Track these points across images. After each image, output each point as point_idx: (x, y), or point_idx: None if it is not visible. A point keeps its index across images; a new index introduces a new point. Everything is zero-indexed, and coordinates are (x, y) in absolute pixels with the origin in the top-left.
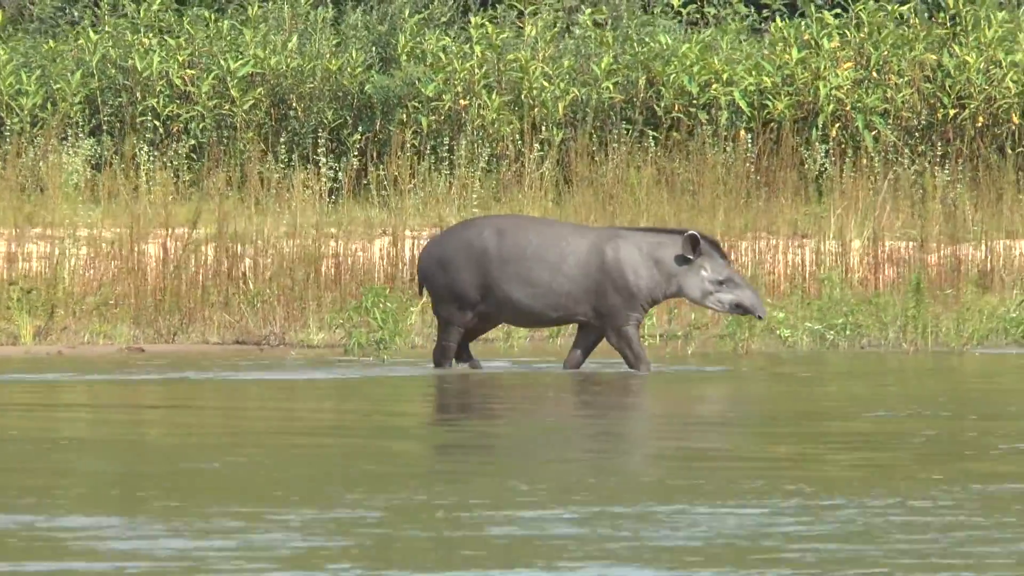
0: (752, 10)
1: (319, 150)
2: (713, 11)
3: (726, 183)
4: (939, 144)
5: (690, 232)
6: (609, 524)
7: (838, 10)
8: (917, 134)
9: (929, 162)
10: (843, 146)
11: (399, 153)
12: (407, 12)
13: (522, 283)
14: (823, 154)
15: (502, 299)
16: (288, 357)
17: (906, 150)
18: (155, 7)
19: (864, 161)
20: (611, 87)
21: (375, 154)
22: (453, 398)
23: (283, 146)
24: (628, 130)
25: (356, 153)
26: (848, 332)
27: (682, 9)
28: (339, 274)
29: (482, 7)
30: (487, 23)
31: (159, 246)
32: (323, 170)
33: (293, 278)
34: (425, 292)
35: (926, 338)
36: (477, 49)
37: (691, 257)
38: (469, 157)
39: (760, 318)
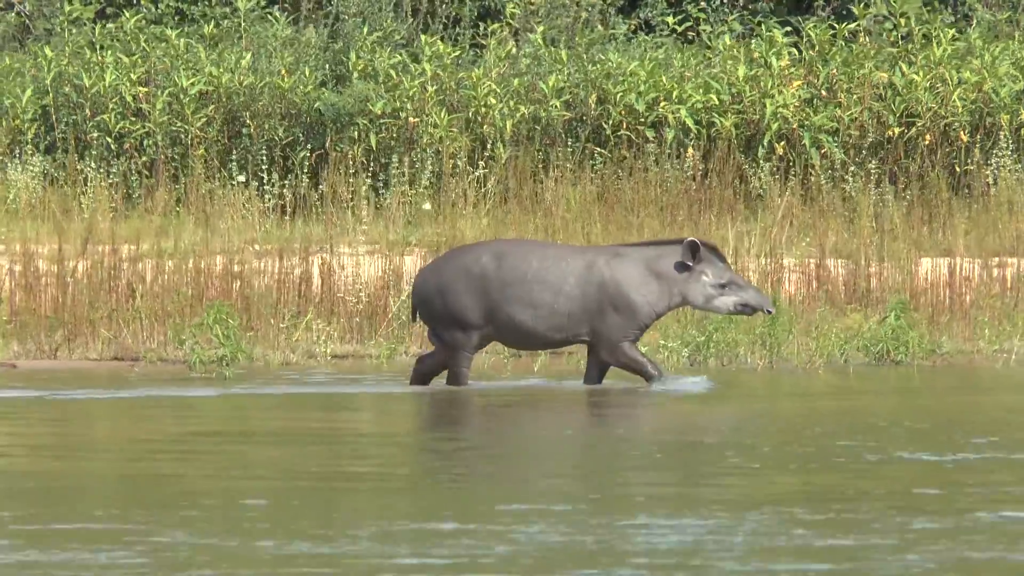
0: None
1: (262, 167)
2: (708, 28)
3: (661, 201)
4: (874, 162)
5: (689, 239)
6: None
7: (789, 28)
8: (864, 152)
9: (865, 181)
10: (791, 164)
11: (336, 171)
12: (365, 30)
13: (524, 305)
14: (767, 172)
15: (504, 322)
16: (131, 374)
17: (851, 168)
18: (130, 24)
19: (813, 180)
20: (558, 105)
21: (324, 172)
22: (213, 420)
23: (235, 163)
24: (571, 149)
25: (307, 171)
26: (712, 349)
27: (677, 27)
28: (229, 292)
29: (446, 26)
30: (438, 42)
31: (90, 262)
32: (266, 187)
33: (182, 296)
34: (419, 318)
35: (770, 356)
36: (427, 67)
37: (691, 264)
38: (411, 175)
39: (770, 313)
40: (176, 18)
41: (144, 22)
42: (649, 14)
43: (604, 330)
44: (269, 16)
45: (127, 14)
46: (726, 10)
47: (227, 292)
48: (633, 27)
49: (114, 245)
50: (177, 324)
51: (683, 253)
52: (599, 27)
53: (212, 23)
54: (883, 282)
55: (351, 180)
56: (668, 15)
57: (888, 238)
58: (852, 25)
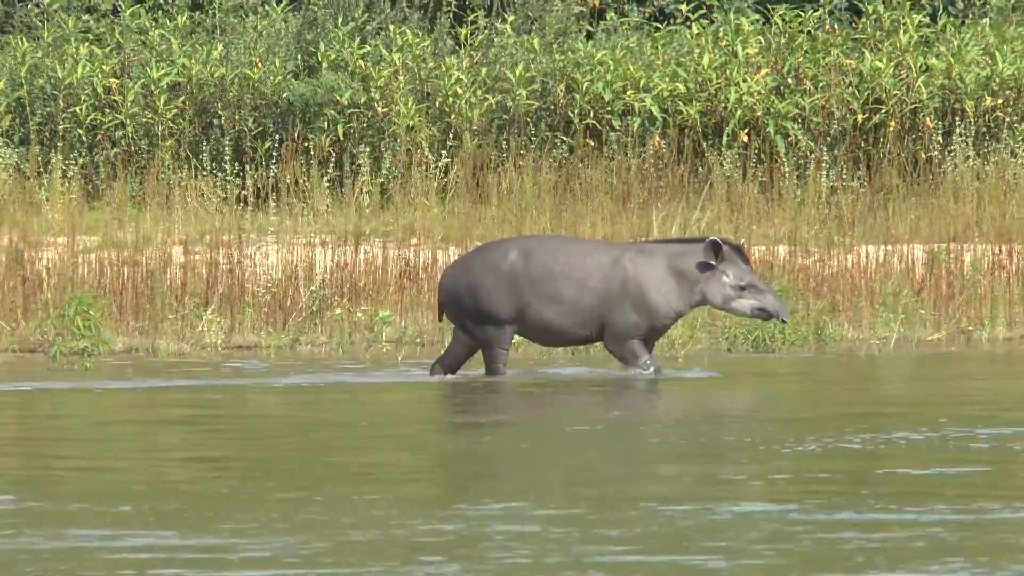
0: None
1: (225, 158)
2: (722, 15)
3: (616, 189)
4: (836, 150)
5: (712, 239)
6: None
7: (757, 16)
8: (829, 139)
9: (818, 167)
10: (757, 152)
11: (298, 161)
12: (340, 20)
13: (552, 302)
14: (728, 160)
15: (534, 319)
16: None
17: (814, 155)
18: (125, 15)
19: (777, 167)
20: (525, 94)
21: (290, 162)
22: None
23: (205, 154)
24: (533, 138)
25: (275, 161)
26: None
27: (691, 15)
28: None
29: (425, 16)
30: (407, 31)
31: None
32: (228, 178)
33: (101, 287)
34: (446, 316)
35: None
36: (396, 57)
37: (713, 263)
38: (372, 164)
39: (784, 322)
40: (159, 11)
41: (142, 13)
42: (663, 1)
43: (617, 323)
44: (265, 7)
45: (123, 5)
46: None
47: (132, 283)
48: (648, 15)
49: (71, 236)
50: (43, 317)
51: (705, 252)
52: (612, 15)
53: (185, 14)
54: (811, 269)
55: (308, 170)
56: (682, 2)
57: (835, 225)
58: (816, 14)
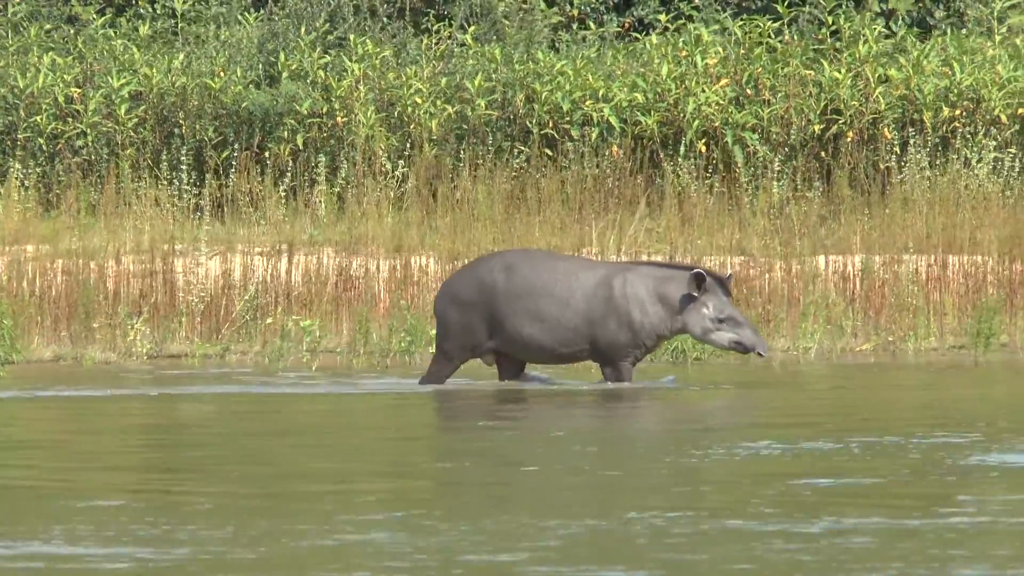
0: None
1: (182, 167)
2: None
3: (567, 200)
4: (780, 159)
5: (696, 270)
6: None
7: (717, 27)
8: (787, 150)
9: (769, 177)
10: (715, 162)
11: (255, 170)
12: (303, 29)
13: (531, 318)
14: (685, 170)
15: (512, 334)
16: None
17: (771, 165)
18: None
19: (741, 178)
20: (483, 105)
21: (253, 172)
22: None
23: (165, 163)
24: (490, 148)
25: (235, 170)
26: None
27: (669, 24)
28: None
29: (389, 24)
30: (368, 41)
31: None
32: (185, 187)
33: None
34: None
35: None
36: (356, 67)
37: (696, 294)
38: (328, 174)
39: (761, 356)
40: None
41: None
42: (642, 12)
43: (605, 344)
44: (239, 18)
45: (123, 19)
46: (719, 8)
47: (66, 292)
48: (627, 25)
49: (19, 246)
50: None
51: (688, 283)
52: (592, 25)
53: (147, 24)
54: (755, 280)
55: (261, 180)
56: (661, 13)
57: (785, 236)
58: (774, 25)
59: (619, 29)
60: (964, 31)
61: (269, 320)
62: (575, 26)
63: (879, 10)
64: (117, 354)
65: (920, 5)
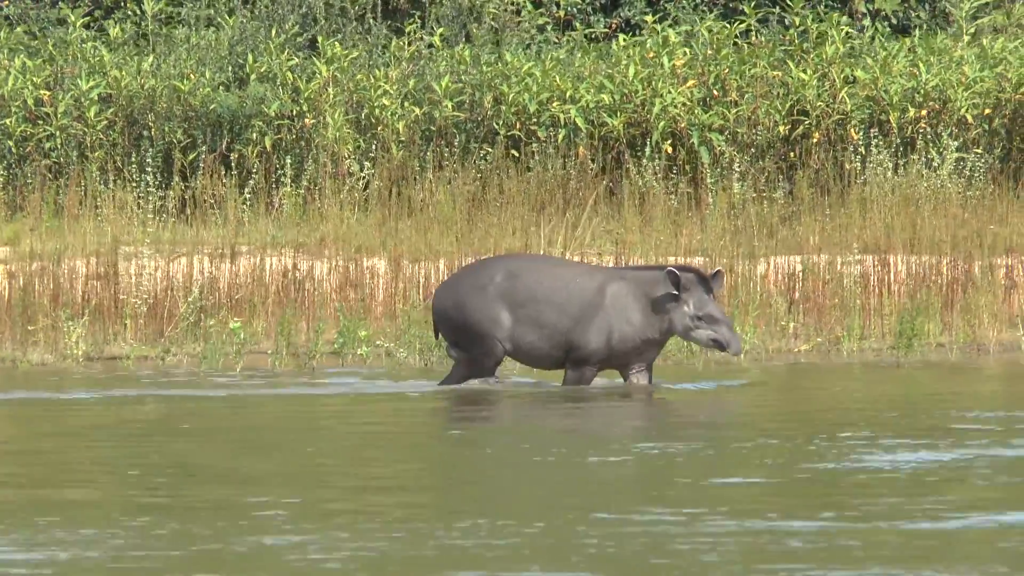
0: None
1: (147, 169)
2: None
3: (530, 200)
4: (747, 160)
5: (668, 269)
6: None
7: (687, 27)
8: (753, 151)
9: (728, 177)
10: (681, 163)
11: (212, 172)
12: (273, 32)
13: (533, 325)
14: (650, 172)
15: (516, 341)
16: None
17: (733, 166)
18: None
19: (706, 179)
20: (451, 106)
21: (216, 173)
22: None
23: (134, 165)
24: (455, 149)
25: (203, 172)
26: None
27: (656, 25)
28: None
29: (359, 26)
30: (336, 43)
31: None
32: (151, 190)
33: None
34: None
35: None
36: (323, 68)
37: (676, 293)
38: (293, 176)
39: (735, 355)
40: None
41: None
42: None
43: (581, 346)
44: (221, 20)
45: (111, 22)
46: (706, 9)
47: (8, 294)
48: (614, 26)
49: None
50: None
51: (663, 282)
52: (577, 26)
53: (118, 26)
54: None
55: (224, 182)
56: (647, 14)
57: (743, 237)
58: (742, 26)
59: (606, 30)
60: (952, 31)
61: (212, 322)
62: (551, 28)
63: (865, 10)
64: (54, 356)
65: (905, 5)
